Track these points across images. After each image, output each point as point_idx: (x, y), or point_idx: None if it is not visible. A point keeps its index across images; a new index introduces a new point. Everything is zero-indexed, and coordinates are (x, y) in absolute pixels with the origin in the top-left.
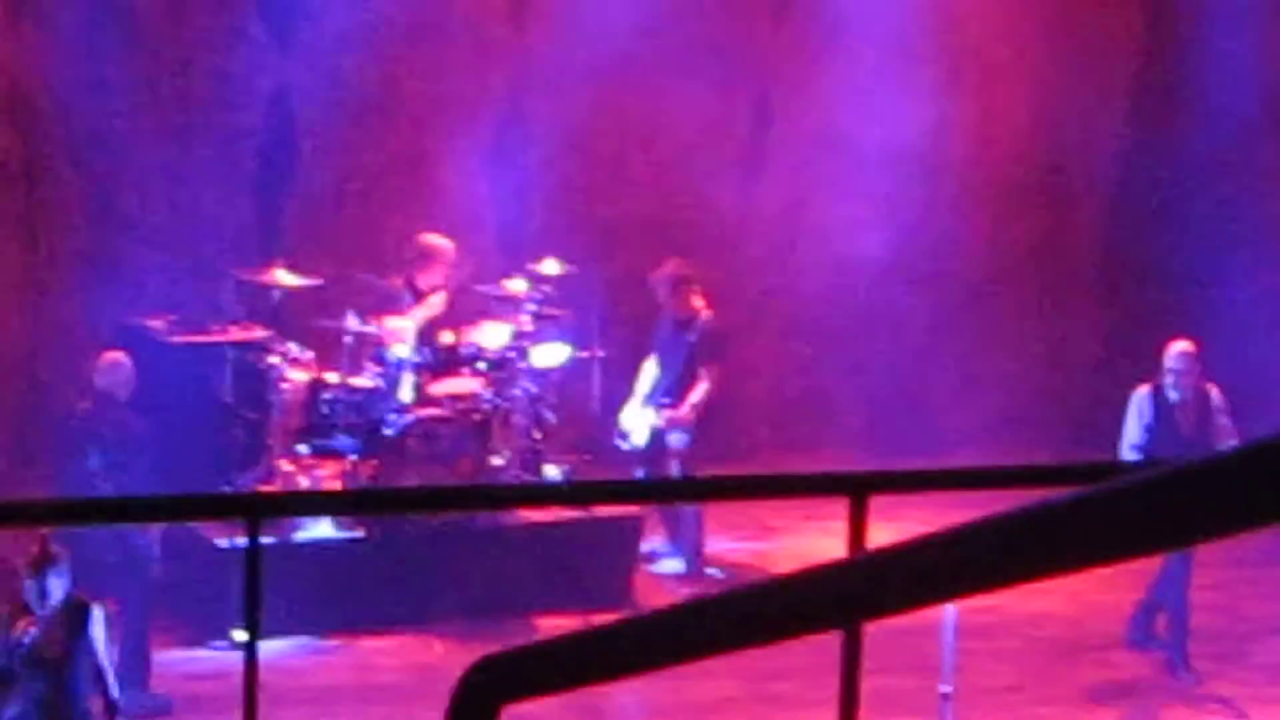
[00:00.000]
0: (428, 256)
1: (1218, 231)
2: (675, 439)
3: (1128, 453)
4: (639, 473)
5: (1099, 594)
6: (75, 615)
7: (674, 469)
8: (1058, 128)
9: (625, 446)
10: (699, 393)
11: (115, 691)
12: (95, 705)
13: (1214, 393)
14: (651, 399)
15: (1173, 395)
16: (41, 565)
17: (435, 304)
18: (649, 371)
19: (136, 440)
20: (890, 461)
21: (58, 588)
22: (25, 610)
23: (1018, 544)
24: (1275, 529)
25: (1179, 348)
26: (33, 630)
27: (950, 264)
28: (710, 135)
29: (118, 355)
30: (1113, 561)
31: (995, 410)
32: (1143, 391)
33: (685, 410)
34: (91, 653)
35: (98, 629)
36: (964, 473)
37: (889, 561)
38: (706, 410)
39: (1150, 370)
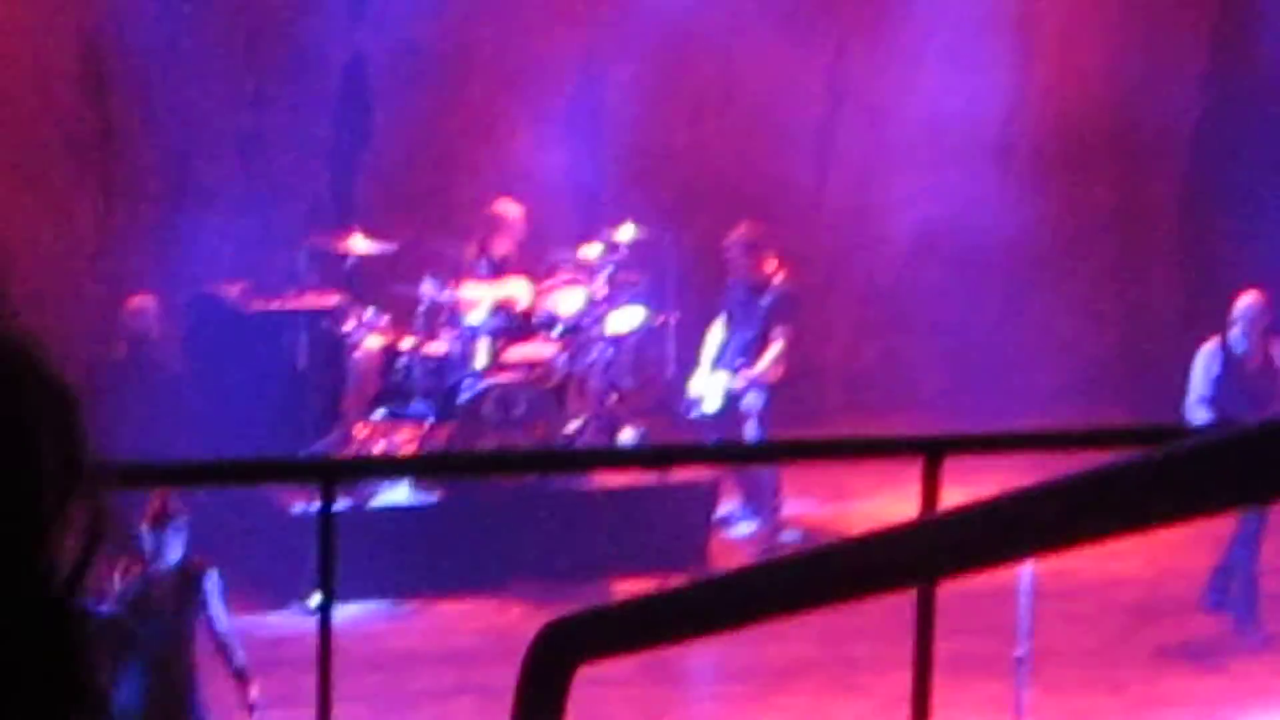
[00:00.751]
0: (500, 223)
1: None
2: (751, 399)
3: (1194, 407)
4: (713, 438)
5: (1175, 557)
6: (190, 577)
7: (749, 432)
8: (1135, 89)
9: (695, 415)
10: (774, 351)
11: (241, 658)
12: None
13: (1277, 346)
14: (720, 364)
15: (1239, 348)
16: (160, 520)
17: (513, 286)
18: (714, 337)
19: (175, 381)
20: (967, 426)
21: (175, 546)
22: (138, 561)
23: (1089, 504)
24: None
25: (1246, 300)
26: (141, 581)
27: (1027, 227)
28: (786, 98)
29: (143, 298)
30: (1184, 522)
31: (1073, 374)
32: (1210, 346)
33: (764, 368)
34: (208, 618)
35: (214, 594)
36: (1037, 434)
37: (961, 521)
38: (780, 373)
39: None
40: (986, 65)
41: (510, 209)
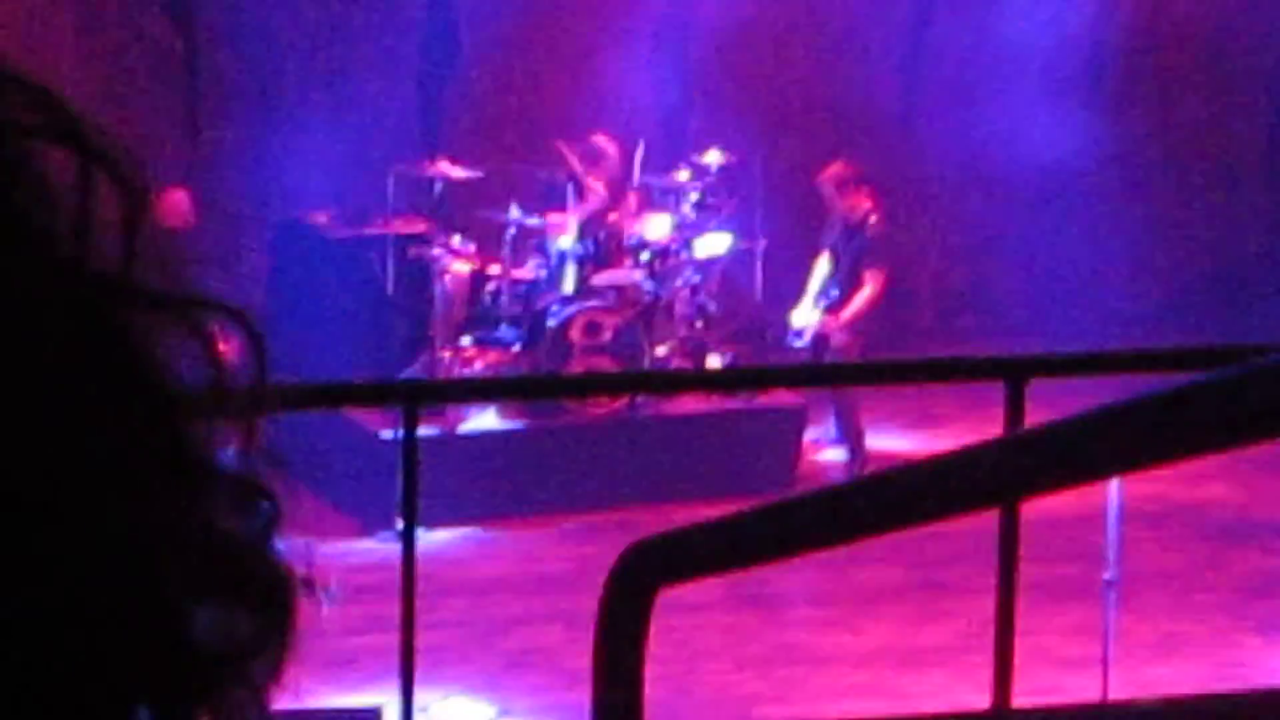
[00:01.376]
0: (594, 156)
1: None
2: (838, 339)
3: None
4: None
5: (1265, 479)
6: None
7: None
8: (1221, 9)
9: (798, 344)
10: (863, 295)
11: None
12: None
13: None
14: (822, 297)
15: None
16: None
17: (597, 202)
18: (821, 270)
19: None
20: (1055, 349)
21: None
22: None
23: (1173, 421)
24: None
25: None
26: None
27: (1116, 148)
28: (874, 23)
29: (176, 193)
30: (1269, 440)
31: (1162, 296)
32: None
33: (851, 313)
34: None
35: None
36: (1121, 356)
37: (1044, 439)
38: (869, 314)
39: None
40: None
41: (607, 145)
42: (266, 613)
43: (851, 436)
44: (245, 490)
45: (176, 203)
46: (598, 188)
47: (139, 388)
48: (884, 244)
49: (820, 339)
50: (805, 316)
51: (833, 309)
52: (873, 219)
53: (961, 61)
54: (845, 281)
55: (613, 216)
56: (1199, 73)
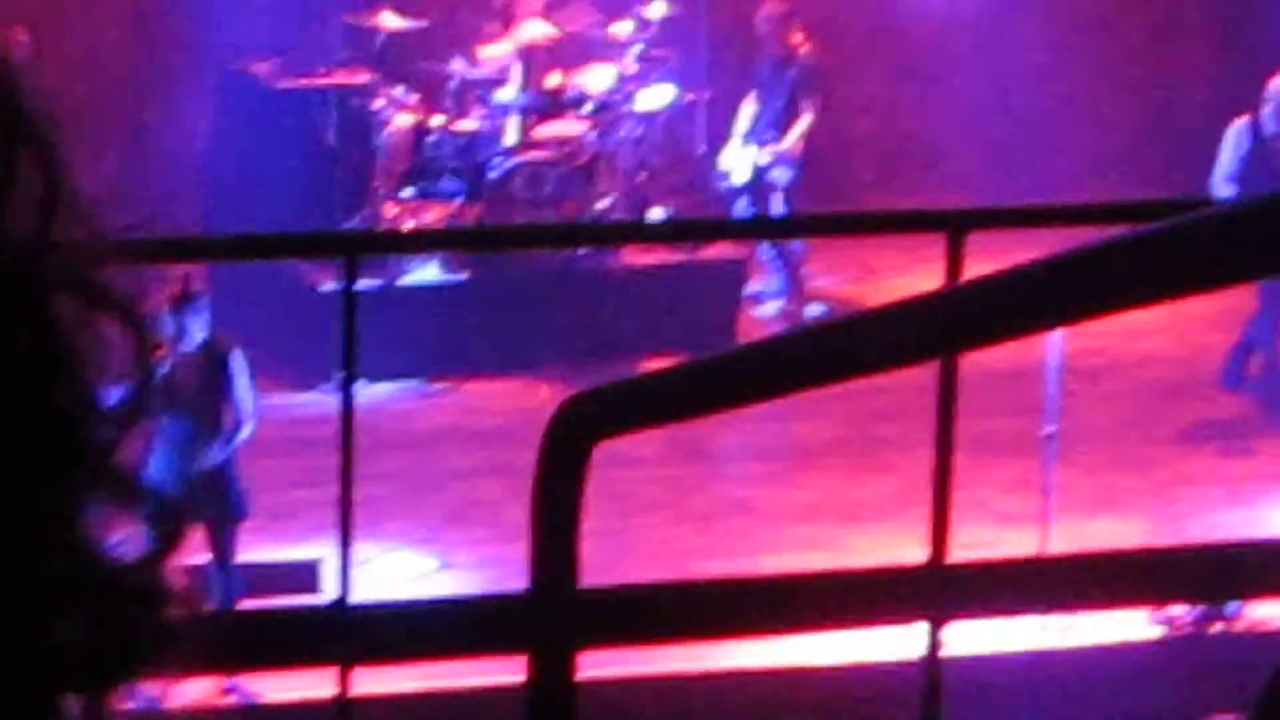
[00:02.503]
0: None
1: None
2: (780, 174)
3: (1221, 184)
4: (742, 210)
5: (1206, 334)
6: (214, 357)
7: (777, 205)
8: None
9: (725, 186)
10: (801, 125)
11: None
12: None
13: None
14: (751, 136)
15: (1270, 126)
16: (180, 302)
17: (530, 32)
18: (747, 110)
19: None
20: (998, 202)
21: (196, 327)
22: (160, 345)
23: (1109, 273)
24: None
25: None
26: (166, 364)
27: (1058, 4)
28: None
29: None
30: (1203, 293)
31: (1105, 149)
32: (1240, 123)
33: (791, 143)
34: (232, 399)
35: (240, 374)
36: (1060, 208)
37: (981, 292)
38: (809, 146)
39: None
40: None
41: None
42: (134, 627)
43: (791, 284)
44: (137, 502)
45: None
46: (534, 36)
47: (45, 381)
48: (816, 75)
49: (760, 172)
50: (732, 158)
51: (773, 142)
52: (803, 50)
53: None
54: (782, 117)
55: (552, 78)
56: None
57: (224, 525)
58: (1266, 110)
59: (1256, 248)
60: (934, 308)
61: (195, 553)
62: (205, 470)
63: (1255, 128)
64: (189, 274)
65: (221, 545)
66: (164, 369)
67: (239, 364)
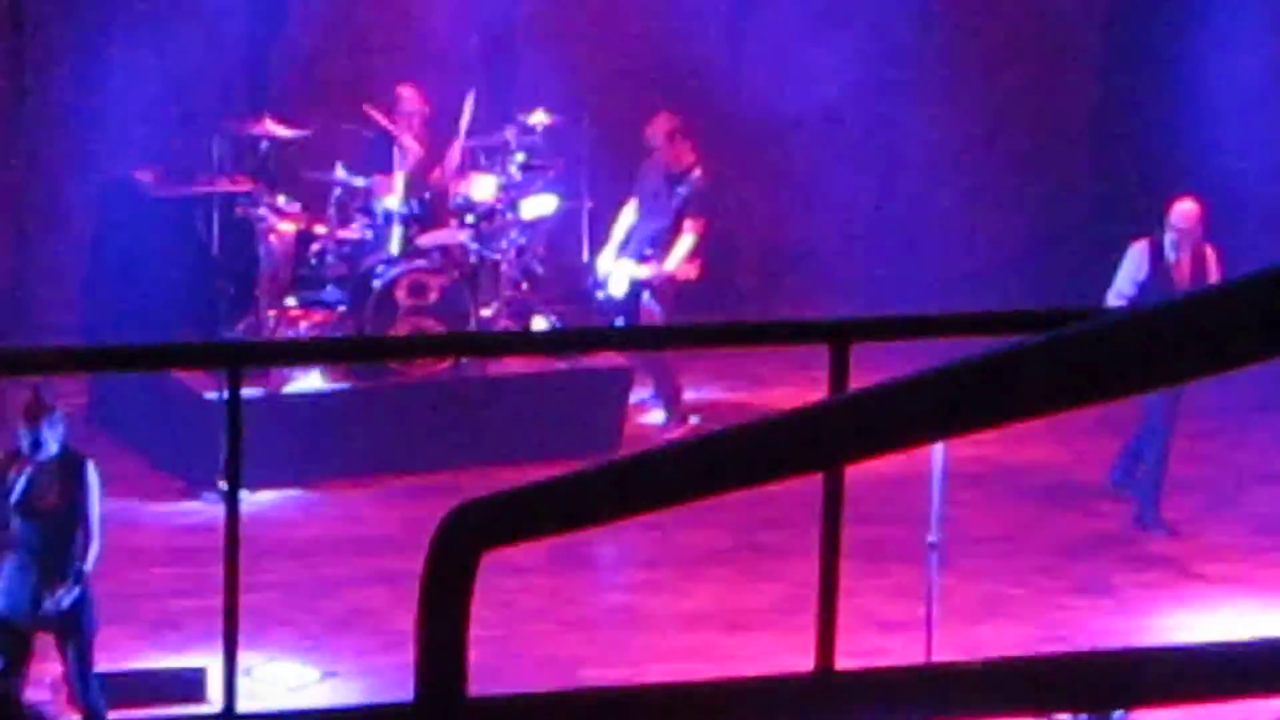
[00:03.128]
0: (409, 109)
1: (1211, 80)
2: (648, 299)
3: (1113, 301)
4: (619, 322)
5: (1089, 440)
6: (71, 467)
7: (653, 317)
8: None
9: (601, 295)
10: (684, 246)
11: (89, 562)
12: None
13: (1211, 255)
14: (628, 247)
15: (1170, 255)
16: (35, 414)
17: (414, 159)
18: (626, 218)
19: None
20: (881, 312)
21: (52, 439)
22: (18, 457)
23: (992, 386)
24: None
25: (1184, 207)
26: (25, 477)
27: (943, 113)
28: None
29: None
30: (1088, 405)
31: (987, 262)
32: (1140, 246)
33: (672, 265)
34: (86, 510)
35: (93, 486)
36: (944, 319)
37: (866, 404)
38: (692, 272)
39: (1147, 222)
40: None
41: (419, 94)
42: None
43: (669, 397)
44: None
45: None
46: (413, 144)
47: None
48: (706, 196)
49: (635, 288)
50: (609, 264)
51: (652, 261)
52: (697, 171)
53: (787, 22)
54: (665, 234)
55: (435, 173)
56: (1024, 38)
57: (78, 638)
58: (1169, 238)
59: (1142, 359)
60: (819, 420)
61: (53, 665)
62: (60, 583)
63: (1155, 252)
64: (38, 385)
65: (78, 657)
66: (20, 481)
67: (93, 477)
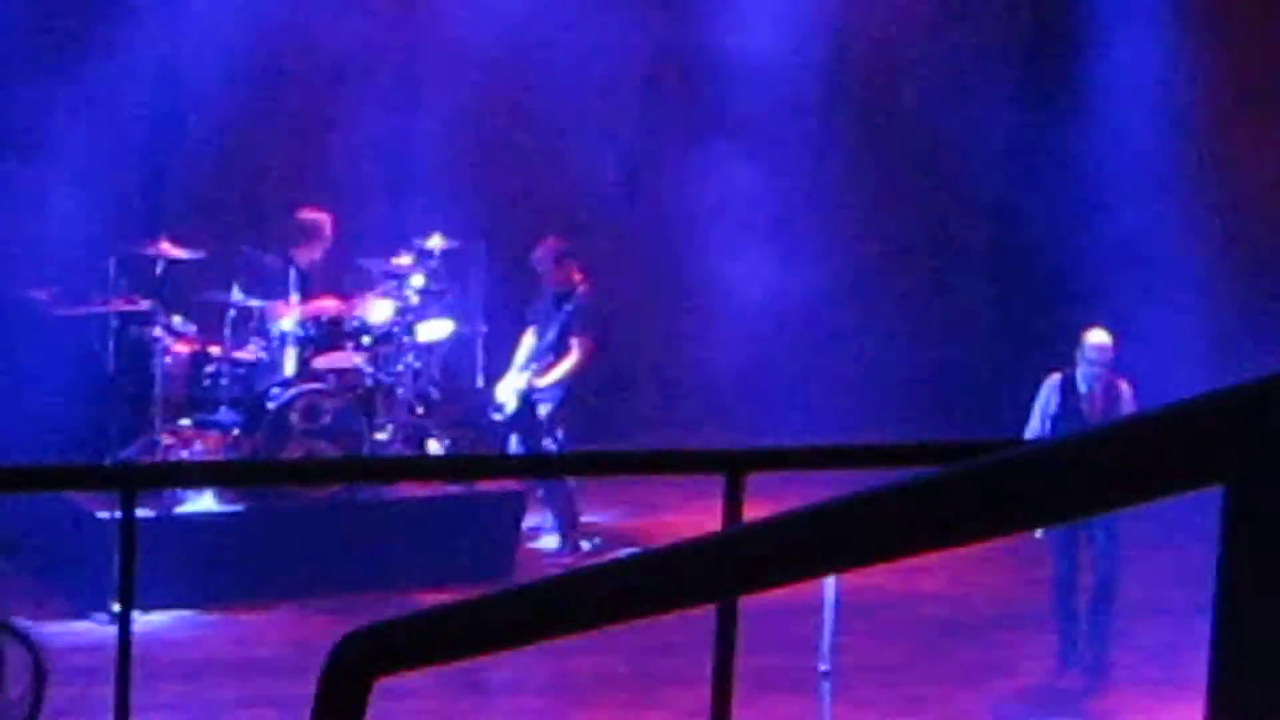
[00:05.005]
0: (306, 231)
1: (1108, 217)
2: (542, 408)
3: (1029, 437)
4: (513, 443)
5: (980, 573)
6: None
7: (546, 441)
8: (946, 104)
9: (498, 417)
10: (569, 361)
11: None
12: None
13: (1125, 389)
14: (524, 369)
15: (1082, 387)
16: None
17: (310, 274)
18: (526, 345)
19: None
20: (775, 442)
21: None
22: None
23: (889, 520)
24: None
25: (1095, 339)
26: None
27: (837, 244)
28: (599, 113)
29: None
30: (984, 540)
31: (885, 391)
32: (1052, 380)
33: (555, 377)
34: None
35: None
36: (840, 450)
37: (761, 536)
38: (576, 381)
39: (1043, 353)
40: (797, 83)
41: (316, 217)
42: None
43: (565, 522)
44: None
45: None
46: (309, 267)
47: None
48: (592, 312)
49: (527, 403)
50: (507, 390)
51: (538, 374)
52: (581, 288)
53: (686, 151)
54: (552, 350)
55: (331, 304)
56: (921, 170)
57: None
58: (1080, 371)
59: (1040, 495)
60: (713, 551)
61: None
62: None
63: (1065, 386)
64: None
65: None
66: None
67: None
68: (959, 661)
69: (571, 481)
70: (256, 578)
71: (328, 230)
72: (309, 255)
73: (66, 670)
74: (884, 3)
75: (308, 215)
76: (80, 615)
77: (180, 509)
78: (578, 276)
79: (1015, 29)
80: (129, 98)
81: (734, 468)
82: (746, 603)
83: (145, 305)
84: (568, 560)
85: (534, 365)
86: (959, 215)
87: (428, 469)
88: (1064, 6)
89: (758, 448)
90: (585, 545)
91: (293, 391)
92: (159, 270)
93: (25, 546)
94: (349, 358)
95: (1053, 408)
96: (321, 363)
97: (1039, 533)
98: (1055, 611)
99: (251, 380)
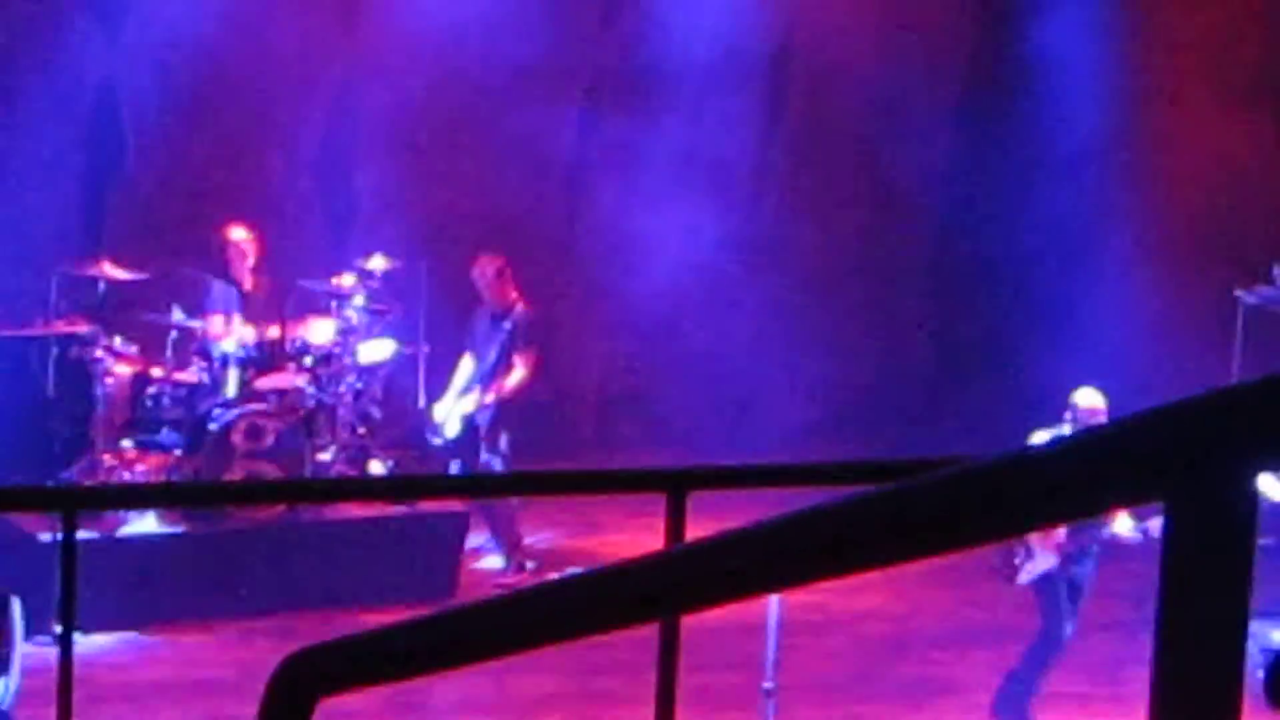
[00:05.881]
0: (237, 248)
1: (1048, 234)
2: (486, 428)
3: None
4: (455, 465)
5: (924, 590)
6: None
7: (489, 458)
8: (886, 125)
9: (438, 441)
10: (514, 378)
11: (7, 700)
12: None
13: None
14: (466, 392)
15: None
16: None
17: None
18: (465, 367)
19: None
20: (717, 461)
21: None
22: None
23: (831, 538)
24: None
25: (1086, 401)
26: None
27: (778, 265)
28: (540, 134)
29: None
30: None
31: (824, 410)
32: (1043, 436)
33: (489, 398)
34: (8, 643)
35: (16, 621)
36: (781, 469)
37: (701, 555)
38: (528, 399)
39: (984, 376)
40: (738, 105)
41: (237, 233)
42: None
43: (508, 543)
44: None
45: None
46: (251, 288)
47: None
48: (532, 328)
49: (470, 424)
50: (445, 411)
51: (484, 393)
52: (519, 306)
53: (625, 172)
54: (495, 370)
55: (273, 317)
56: (862, 189)
57: None
58: (1068, 431)
59: (982, 511)
60: (656, 570)
61: None
62: None
63: None
64: None
65: None
66: None
67: (17, 614)
68: (901, 679)
69: (514, 501)
70: (199, 599)
71: (252, 245)
72: (250, 276)
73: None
74: (823, 22)
75: (249, 235)
76: (23, 637)
77: (122, 530)
78: (515, 294)
79: (956, 49)
80: (68, 118)
81: (676, 486)
82: (689, 620)
83: (86, 327)
84: (511, 580)
85: (477, 387)
86: (900, 234)
87: (370, 489)
88: (1006, 24)
89: (700, 466)
90: (529, 565)
91: (235, 412)
92: (100, 291)
93: None
94: (291, 378)
95: None
96: (263, 383)
97: (1023, 578)
98: (1022, 675)
99: (193, 401)
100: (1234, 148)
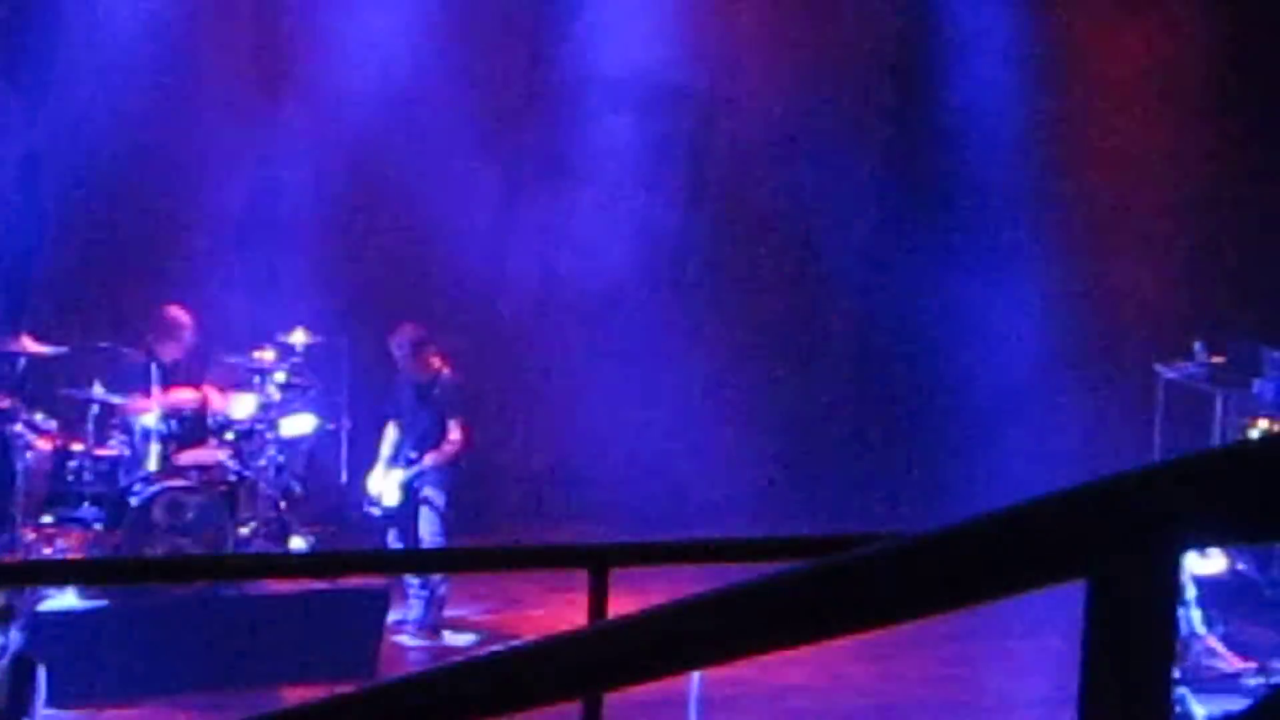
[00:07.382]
0: (168, 329)
1: (972, 303)
2: (432, 493)
3: None
4: (391, 537)
5: (847, 664)
6: (22, 672)
7: (431, 526)
8: (805, 201)
9: (377, 512)
10: (451, 444)
11: None
12: None
13: None
14: (396, 460)
15: None
16: (3, 617)
17: (183, 395)
18: (390, 436)
19: None
20: (640, 535)
21: (14, 641)
22: None
23: (753, 615)
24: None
25: None
26: None
27: (701, 337)
28: (461, 205)
29: None
30: (848, 634)
31: (744, 485)
32: None
33: (446, 456)
34: (31, 713)
35: (40, 690)
36: (702, 544)
37: (623, 632)
38: (458, 464)
39: (909, 447)
40: (658, 177)
41: (179, 315)
42: None
43: (430, 618)
44: None
45: None
46: (172, 363)
47: None
48: (461, 391)
49: (411, 492)
50: (379, 482)
51: (422, 458)
52: (445, 372)
53: (548, 244)
54: (426, 438)
55: (193, 399)
56: (780, 263)
57: None
58: None
59: (904, 589)
60: (577, 647)
61: None
62: None
63: None
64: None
65: None
66: None
67: (41, 681)
68: None
69: (436, 575)
70: (121, 675)
71: (188, 326)
72: (171, 351)
73: None
74: (747, 92)
75: (169, 311)
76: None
77: (43, 606)
78: (437, 362)
79: (877, 121)
80: None
81: (598, 562)
82: (611, 697)
83: (6, 402)
84: (430, 656)
85: (411, 454)
86: (822, 305)
87: (291, 566)
88: (927, 94)
89: (622, 542)
90: (454, 642)
91: (155, 487)
92: (20, 366)
93: None
94: (212, 453)
95: None
96: (184, 458)
97: None
98: None
99: (114, 476)
100: (1155, 223)
